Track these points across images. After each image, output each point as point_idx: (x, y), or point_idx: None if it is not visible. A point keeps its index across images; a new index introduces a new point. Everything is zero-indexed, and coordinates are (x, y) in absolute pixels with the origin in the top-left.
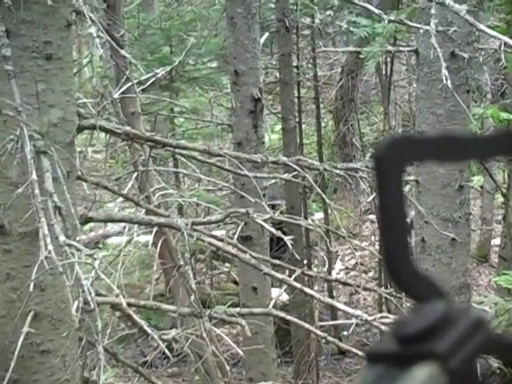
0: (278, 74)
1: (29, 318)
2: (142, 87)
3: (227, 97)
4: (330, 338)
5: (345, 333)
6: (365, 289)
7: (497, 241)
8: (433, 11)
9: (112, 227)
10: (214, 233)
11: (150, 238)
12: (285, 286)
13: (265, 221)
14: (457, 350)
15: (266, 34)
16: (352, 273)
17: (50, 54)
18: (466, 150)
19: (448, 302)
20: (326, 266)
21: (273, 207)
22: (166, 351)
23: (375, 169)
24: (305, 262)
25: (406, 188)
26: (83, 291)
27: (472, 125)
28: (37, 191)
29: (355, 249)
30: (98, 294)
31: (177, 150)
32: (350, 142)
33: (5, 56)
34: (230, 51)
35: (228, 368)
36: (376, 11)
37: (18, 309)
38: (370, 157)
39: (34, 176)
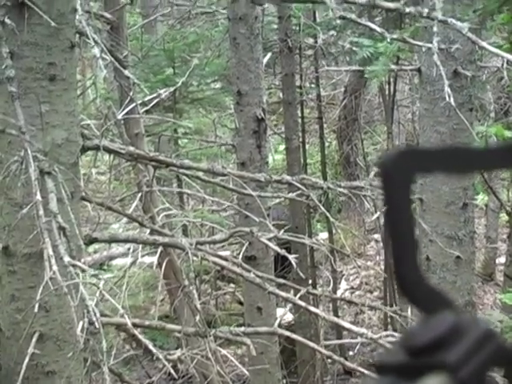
0: (281, 94)
1: (34, 339)
2: (145, 108)
3: (231, 117)
4: (336, 357)
5: (350, 353)
6: (370, 307)
7: (502, 259)
8: (435, 29)
9: (117, 249)
10: (219, 253)
11: (154, 259)
12: (289, 305)
13: (269, 240)
14: (466, 361)
15: (269, 55)
16: (357, 292)
17: (54, 75)
18: (471, 162)
19: (457, 314)
20: (331, 285)
21: (278, 227)
22: (172, 371)
23: (382, 179)
24: (310, 281)
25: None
26: (88, 312)
27: (476, 143)
28: (41, 212)
29: (359, 266)
30: (102, 315)
31: (181, 170)
32: (354, 162)
33: (9, 77)
34: (233, 72)
35: None
36: (379, 30)
37: (23, 330)
38: (375, 177)
39: (39, 197)
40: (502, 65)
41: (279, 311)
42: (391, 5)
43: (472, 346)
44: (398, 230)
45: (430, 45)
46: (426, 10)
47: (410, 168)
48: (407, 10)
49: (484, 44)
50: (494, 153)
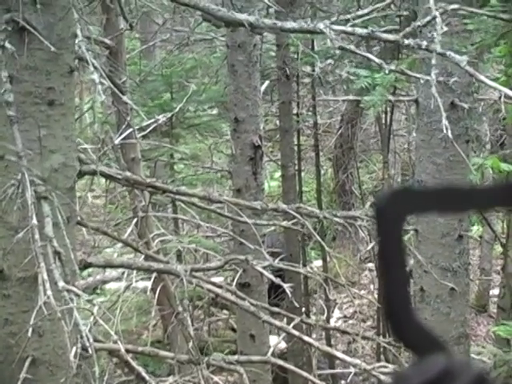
0: (278, 122)
1: (26, 364)
2: (142, 133)
3: (227, 143)
4: None
5: (343, 382)
6: (363, 337)
7: (495, 291)
8: (433, 62)
9: (110, 273)
10: (213, 279)
11: (148, 283)
12: (283, 334)
13: (264, 268)
14: None
15: (267, 82)
16: (350, 321)
17: (53, 99)
18: (466, 202)
19: (449, 356)
20: (325, 314)
21: (272, 255)
22: None
23: (376, 220)
24: (303, 309)
25: (406, 237)
26: (81, 337)
27: (471, 175)
28: (37, 236)
29: (354, 297)
30: (95, 340)
31: (177, 197)
32: (349, 190)
33: (7, 101)
34: (231, 98)
35: None
36: (377, 60)
37: (16, 354)
38: (371, 207)
39: (35, 221)
40: (500, 97)
41: (272, 339)
42: (390, 37)
43: None
44: (389, 271)
45: (428, 77)
46: (425, 43)
47: (404, 209)
48: (406, 42)
49: (482, 78)
50: (487, 193)
